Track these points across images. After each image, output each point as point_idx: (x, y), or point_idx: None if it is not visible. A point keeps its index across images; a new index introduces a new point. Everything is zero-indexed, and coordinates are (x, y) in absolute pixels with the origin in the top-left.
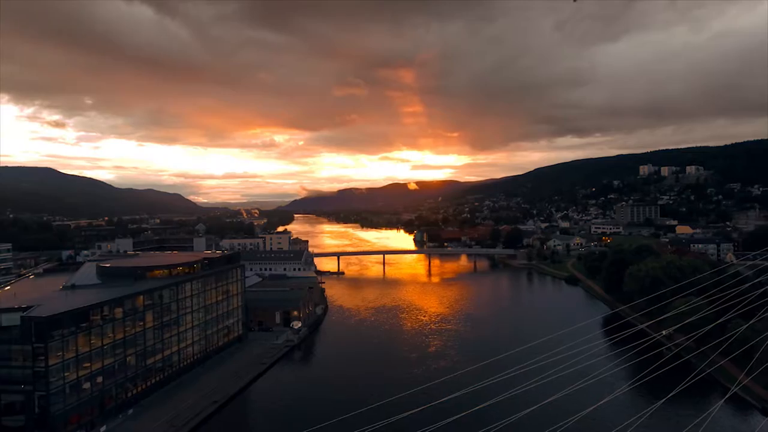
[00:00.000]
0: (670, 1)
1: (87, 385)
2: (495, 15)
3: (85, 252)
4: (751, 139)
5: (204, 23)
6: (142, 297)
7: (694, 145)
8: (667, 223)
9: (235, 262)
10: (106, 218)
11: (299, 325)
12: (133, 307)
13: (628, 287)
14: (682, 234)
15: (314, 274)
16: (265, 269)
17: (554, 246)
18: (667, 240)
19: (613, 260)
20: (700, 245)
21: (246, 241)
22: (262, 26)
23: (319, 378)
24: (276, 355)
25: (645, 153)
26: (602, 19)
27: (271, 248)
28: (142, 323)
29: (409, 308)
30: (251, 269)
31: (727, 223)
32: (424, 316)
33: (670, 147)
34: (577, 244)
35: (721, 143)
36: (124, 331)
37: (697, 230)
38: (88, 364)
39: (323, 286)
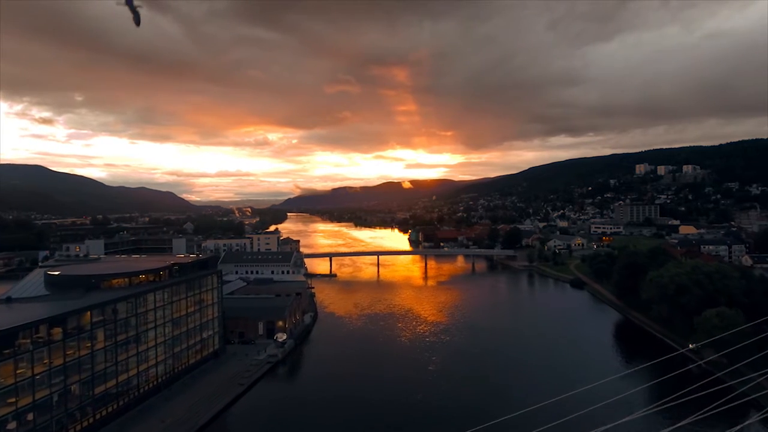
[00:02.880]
0: (662, 1)
1: (12, 425)
2: (488, 14)
3: (59, 253)
4: (744, 138)
5: (196, 20)
6: (89, 312)
7: (687, 144)
8: (670, 222)
9: (211, 267)
10: (85, 216)
11: (284, 337)
12: (77, 325)
13: (648, 294)
14: (692, 235)
15: (303, 278)
16: (251, 272)
17: (555, 246)
18: (676, 241)
19: (625, 264)
20: (710, 247)
21: (232, 242)
22: (254, 23)
23: (304, 401)
24: (256, 374)
25: (640, 152)
26: (595, 19)
27: (258, 249)
28: (90, 344)
29: (406, 316)
30: (236, 272)
31: (732, 223)
32: (422, 326)
33: (664, 146)
34: (579, 245)
35: (713, 143)
36: (65, 355)
37: (702, 230)
38: (14, 400)
39: (313, 290)
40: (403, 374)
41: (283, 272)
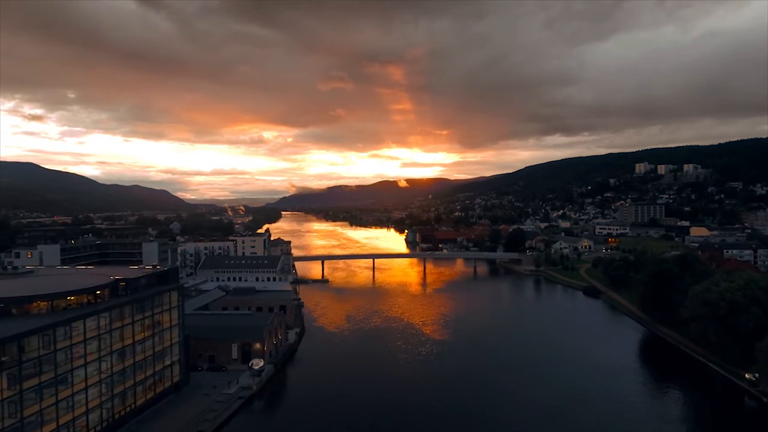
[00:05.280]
0: (658, 0)
1: None
2: (484, 12)
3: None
4: (740, 138)
5: (188, 16)
6: None
7: (682, 144)
8: (679, 223)
9: (171, 281)
10: (56, 216)
11: (261, 364)
12: None
13: (691, 312)
14: (711, 238)
15: (290, 287)
16: (233, 279)
17: (561, 249)
18: (696, 245)
19: (653, 272)
20: (734, 251)
21: (214, 244)
22: (247, 20)
23: None
24: (224, 414)
25: (637, 151)
26: (591, 18)
27: (243, 253)
28: None
29: (405, 332)
30: (217, 278)
31: (746, 224)
32: (424, 346)
33: (660, 146)
34: (586, 247)
35: (708, 143)
36: None
37: (714, 232)
38: None
39: (301, 301)
40: (402, 405)
41: (268, 279)
